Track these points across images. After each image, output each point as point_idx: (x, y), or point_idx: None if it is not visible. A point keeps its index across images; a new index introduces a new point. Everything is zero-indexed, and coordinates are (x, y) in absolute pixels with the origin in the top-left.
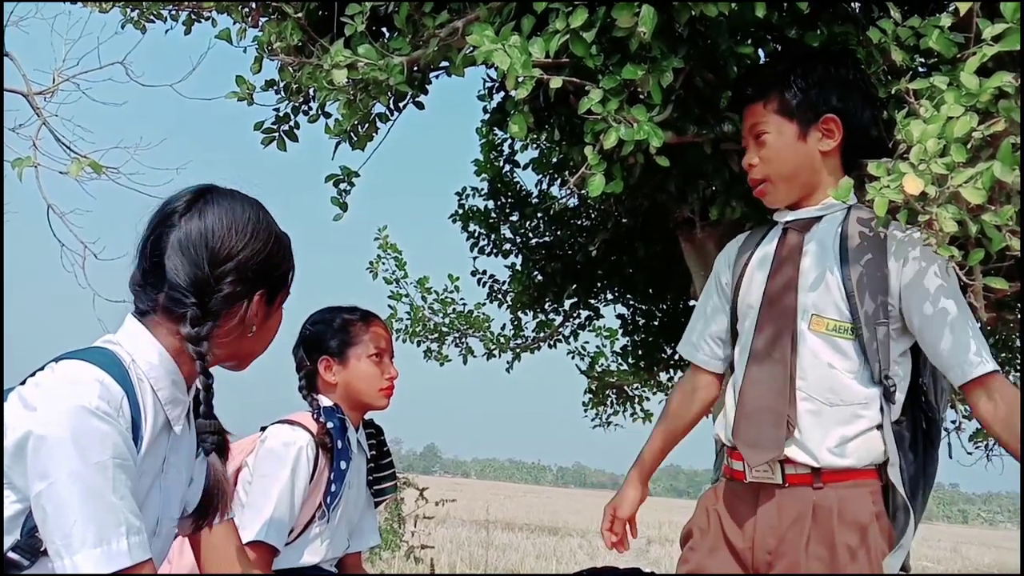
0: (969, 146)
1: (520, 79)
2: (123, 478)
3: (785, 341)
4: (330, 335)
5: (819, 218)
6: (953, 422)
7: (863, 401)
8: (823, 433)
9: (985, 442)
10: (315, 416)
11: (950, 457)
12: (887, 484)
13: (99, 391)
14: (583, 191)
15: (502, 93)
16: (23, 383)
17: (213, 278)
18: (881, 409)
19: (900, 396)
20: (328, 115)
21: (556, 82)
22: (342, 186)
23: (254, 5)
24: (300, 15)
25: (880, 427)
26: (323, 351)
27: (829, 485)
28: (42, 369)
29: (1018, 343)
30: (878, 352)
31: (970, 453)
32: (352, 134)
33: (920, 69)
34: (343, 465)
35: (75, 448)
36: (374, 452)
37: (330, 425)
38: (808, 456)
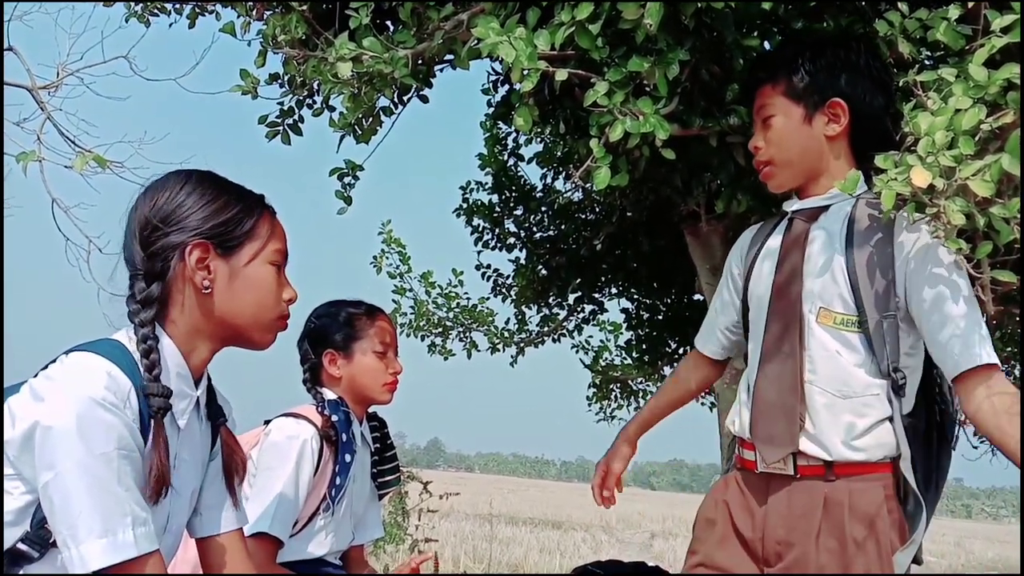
0: (977, 138)
1: (525, 71)
2: (128, 469)
3: (793, 335)
4: (335, 329)
5: (827, 207)
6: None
7: (874, 392)
8: (836, 426)
9: None
10: (319, 409)
11: (954, 449)
12: (900, 478)
13: (106, 382)
14: (588, 184)
15: (507, 86)
16: (36, 376)
17: (140, 245)
18: (890, 402)
19: (911, 389)
20: (332, 108)
21: (561, 74)
22: (346, 180)
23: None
24: (304, 8)
25: (891, 419)
26: (328, 344)
27: (841, 478)
28: (55, 361)
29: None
30: (886, 345)
31: (975, 447)
32: (356, 128)
33: (927, 62)
34: (347, 458)
35: (80, 438)
36: (378, 445)
37: (335, 418)
38: (821, 449)
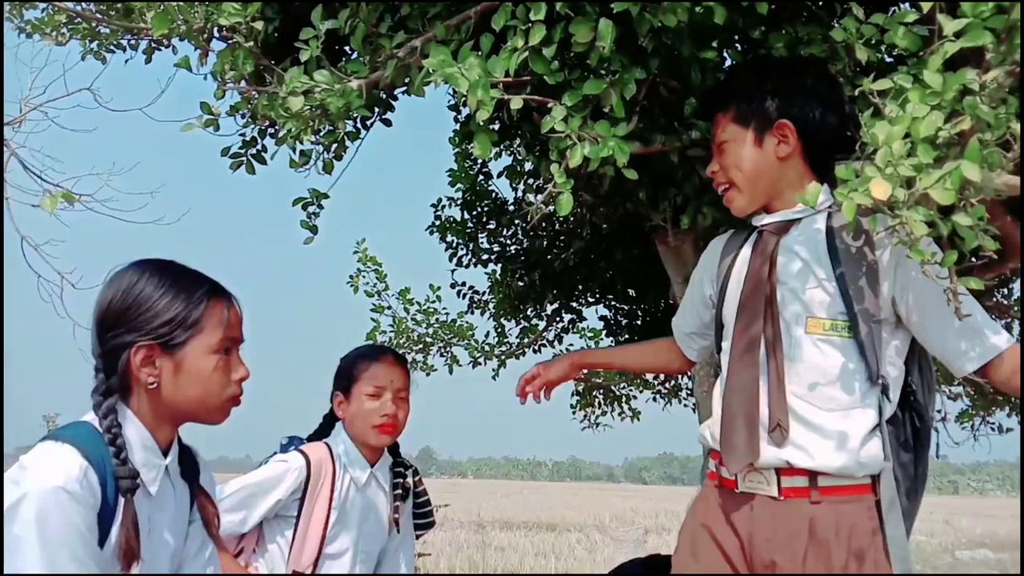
0: (936, 144)
1: (480, 100)
2: (82, 555)
3: (755, 347)
4: (342, 372)
5: (797, 220)
6: (939, 411)
7: (860, 403)
8: (821, 438)
9: (971, 423)
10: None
11: (937, 457)
12: (884, 492)
13: (67, 472)
14: (551, 208)
15: (467, 108)
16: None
17: (98, 341)
18: (880, 409)
19: (895, 395)
20: (298, 139)
21: (517, 102)
22: (311, 209)
23: (204, 36)
24: (251, 43)
25: (877, 427)
26: (337, 388)
27: (826, 499)
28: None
29: (1000, 325)
30: (875, 350)
31: (957, 444)
32: (319, 160)
33: (888, 59)
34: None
35: (38, 527)
36: (415, 491)
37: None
38: (807, 458)
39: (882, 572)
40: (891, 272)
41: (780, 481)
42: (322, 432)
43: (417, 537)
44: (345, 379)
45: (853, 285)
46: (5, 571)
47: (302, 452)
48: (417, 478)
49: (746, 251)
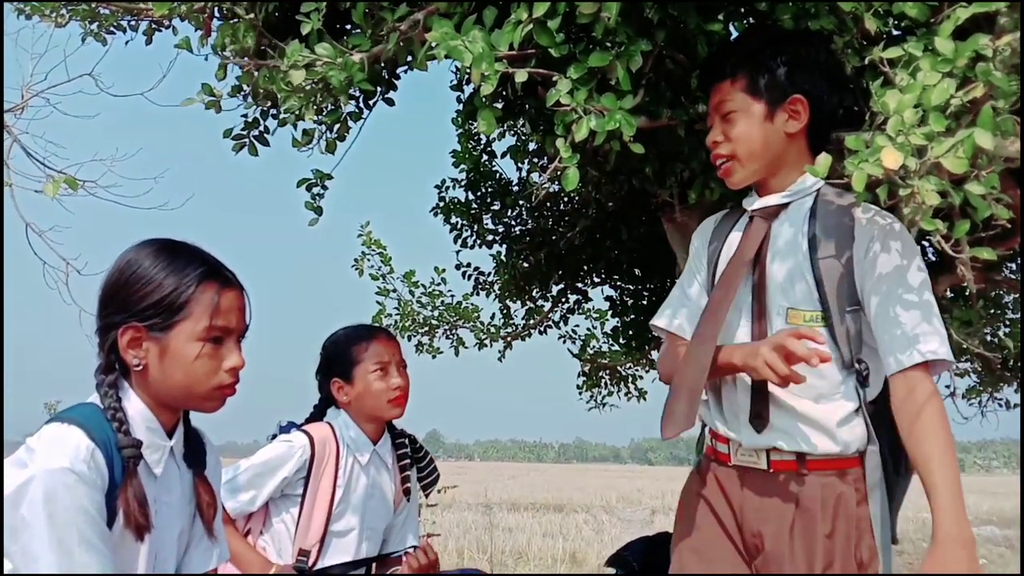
0: (948, 113)
1: (484, 75)
2: (90, 535)
3: (717, 325)
4: (336, 358)
5: (785, 205)
6: (947, 387)
7: (838, 389)
8: (803, 424)
9: (979, 399)
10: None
11: None
12: (870, 468)
13: (74, 453)
14: (557, 186)
15: (471, 85)
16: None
17: (98, 318)
18: (857, 393)
19: (876, 379)
20: (300, 118)
21: (521, 75)
22: (315, 190)
23: (205, 12)
24: (252, 15)
25: (858, 411)
26: (333, 374)
27: (814, 473)
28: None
29: (1007, 299)
30: (848, 338)
31: (966, 419)
32: (323, 139)
33: (896, 32)
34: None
35: (45, 507)
36: (406, 460)
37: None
38: (792, 441)
39: (866, 543)
40: (862, 260)
41: (769, 455)
42: (315, 420)
43: (427, 494)
44: (343, 363)
45: (827, 275)
46: (13, 552)
47: (305, 432)
48: (417, 445)
49: (735, 235)
